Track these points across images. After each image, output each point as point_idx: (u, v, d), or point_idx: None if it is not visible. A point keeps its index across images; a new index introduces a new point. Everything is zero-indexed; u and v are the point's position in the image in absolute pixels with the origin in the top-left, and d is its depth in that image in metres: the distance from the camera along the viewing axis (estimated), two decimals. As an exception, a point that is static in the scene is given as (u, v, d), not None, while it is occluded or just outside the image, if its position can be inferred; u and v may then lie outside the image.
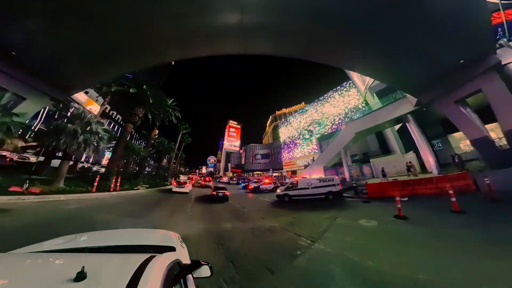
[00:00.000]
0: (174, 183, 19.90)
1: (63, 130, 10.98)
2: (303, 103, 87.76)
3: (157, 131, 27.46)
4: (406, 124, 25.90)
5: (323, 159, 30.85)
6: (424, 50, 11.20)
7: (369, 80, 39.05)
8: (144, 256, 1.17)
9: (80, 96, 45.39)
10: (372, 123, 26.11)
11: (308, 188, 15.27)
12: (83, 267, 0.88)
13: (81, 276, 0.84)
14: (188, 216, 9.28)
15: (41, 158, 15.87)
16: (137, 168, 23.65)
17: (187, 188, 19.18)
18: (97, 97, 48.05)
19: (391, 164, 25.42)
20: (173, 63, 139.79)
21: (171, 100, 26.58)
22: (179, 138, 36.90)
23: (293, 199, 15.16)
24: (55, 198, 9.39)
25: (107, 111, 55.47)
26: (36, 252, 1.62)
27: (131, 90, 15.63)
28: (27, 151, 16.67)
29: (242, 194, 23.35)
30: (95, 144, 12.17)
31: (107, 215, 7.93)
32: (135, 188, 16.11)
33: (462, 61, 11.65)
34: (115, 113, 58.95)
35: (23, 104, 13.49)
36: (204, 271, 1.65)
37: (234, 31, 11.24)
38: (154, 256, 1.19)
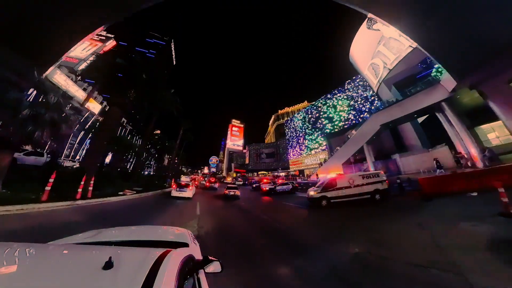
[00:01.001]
0: (174, 186, 15.63)
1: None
2: (305, 101, 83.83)
3: (158, 131, 23.11)
4: (437, 114, 22.35)
5: (342, 155, 26.57)
6: (480, 21, 10.02)
7: (382, 72, 35.33)
8: (161, 250, 1.19)
9: (77, 93, 41.07)
10: (400, 114, 22.33)
11: (350, 187, 11.42)
12: (110, 257, 0.93)
13: (108, 265, 0.89)
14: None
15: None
16: (130, 168, 19.13)
17: (190, 191, 14.62)
18: (102, 103, 43.60)
19: (420, 159, 22.06)
20: (174, 62, 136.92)
21: (172, 91, 22.45)
22: (180, 134, 32.40)
23: (332, 202, 11.25)
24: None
25: (106, 109, 51.09)
26: (71, 243, 1.72)
27: (117, 60, 11.23)
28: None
29: (256, 198, 18.35)
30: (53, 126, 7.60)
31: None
32: (120, 192, 11.34)
33: None
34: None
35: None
36: (215, 267, 1.60)
37: None
38: (170, 251, 1.20)
